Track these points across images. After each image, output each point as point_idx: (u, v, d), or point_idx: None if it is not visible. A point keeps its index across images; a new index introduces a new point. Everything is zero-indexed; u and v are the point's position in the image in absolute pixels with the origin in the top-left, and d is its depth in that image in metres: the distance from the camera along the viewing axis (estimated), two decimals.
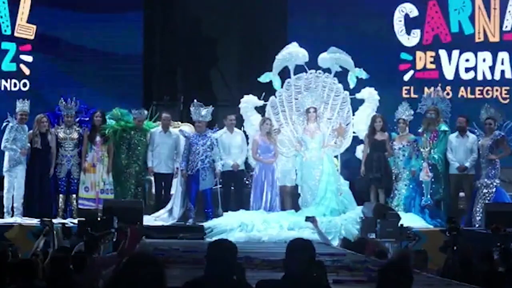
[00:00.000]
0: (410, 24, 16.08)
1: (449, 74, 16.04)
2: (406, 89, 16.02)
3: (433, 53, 16.08)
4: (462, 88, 16.00)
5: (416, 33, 16.07)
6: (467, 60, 16.05)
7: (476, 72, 16.04)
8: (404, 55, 16.08)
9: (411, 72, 16.08)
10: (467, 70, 16.06)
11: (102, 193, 13.89)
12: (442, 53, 16.05)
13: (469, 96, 15.95)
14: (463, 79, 16.05)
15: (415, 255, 10.19)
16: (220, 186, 14.34)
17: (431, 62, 16.10)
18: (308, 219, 13.16)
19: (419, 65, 16.10)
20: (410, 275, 4.94)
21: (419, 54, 16.09)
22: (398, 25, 16.05)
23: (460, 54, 16.04)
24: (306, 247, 5.32)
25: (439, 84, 15.69)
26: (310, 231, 12.95)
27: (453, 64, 16.04)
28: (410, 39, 16.08)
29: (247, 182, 14.99)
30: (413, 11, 16.06)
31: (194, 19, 18.06)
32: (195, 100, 14.20)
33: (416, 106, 14.49)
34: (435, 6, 16.08)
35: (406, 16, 16.07)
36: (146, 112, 14.60)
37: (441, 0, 16.07)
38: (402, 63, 16.11)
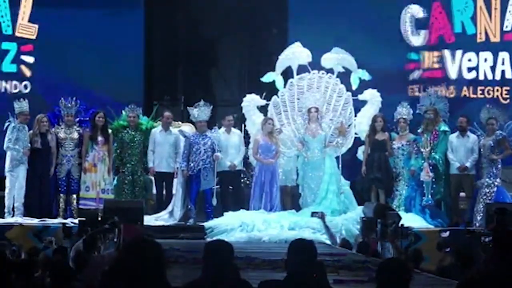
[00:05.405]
0: (416, 25, 16.08)
1: (453, 74, 16.04)
2: (411, 88, 16.03)
3: (438, 53, 16.09)
4: (464, 88, 15.99)
5: (422, 34, 16.08)
6: (469, 60, 16.03)
7: (478, 72, 16.03)
8: (410, 55, 16.09)
9: (417, 72, 16.09)
10: (469, 70, 16.05)
11: (103, 192, 13.88)
12: (446, 53, 16.05)
13: (472, 95, 15.94)
14: (466, 78, 16.04)
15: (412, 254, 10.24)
16: (219, 186, 14.33)
17: (436, 62, 16.12)
18: (315, 214, 13.17)
19: (425, 64, 16.11)
20: (408, 271, 4.95)
21: (424, 54, 16.10)
22: (404, 25, 16.05)
23: (463, 54, 16.04)
24: (308, 247, 5.32)
25: (444, 83, 15.75)
26: (310, 231, 12.97)
27: (456, 64, 16.04)
28: (416, 40, 16.07)
29: (247, 182, 15.00)
30: (419, 13, 16.05)
31: (194, 19, 18.07)
32: (191, 108, 14.18)
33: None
34: (439, 7, 16.08)
35: (412, 17, 16.07)
36: (139, 109, 14.58)
37: (445, 1, 16.06)
38: (408, 63, 16.10)
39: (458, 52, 16.03)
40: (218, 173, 14.19)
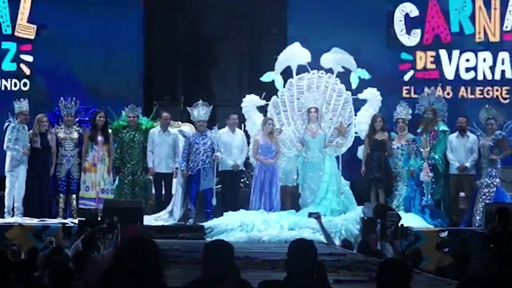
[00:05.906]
0: (410, 23, 16.03)
1: (449, 74, 16.00)
2: (406, 89, 15.99)
3: (433, 53, 16.04)
4: (462, 88, 15.96)
5: (417, 33, 16.02)
6: (467, 60, 15.99)
7: (476, 72, 16.00)
8: (404, 55, 16.05)
9: (412, 72, 16.05)
10: (468, 70, 16.01)
11: (102, 192, 13.89)
12: (442, 53, 16.02)
13: (470, 96, 15.91)
14: (463, 79, 16.00)
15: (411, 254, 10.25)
16: (220, 186, 14.33)
17: (431, 62, 16.06)
18: (311, 215, 13.16)
19: (419, 65, 16.07)
20: (408, 271, 4.96)
21: (419, 54, 16.06)
22: (398, 24, 16.00)
23: (461, 54, 16.00)
24: (308, 247, 5.33)
25: (439, 84, 15.71)
26: (310, 231, 12.96)
27: (453, 64, 16.00)
28: (411, 39, 16.04)
29: (247, 182, 14.99)
30: (414, 11, 16.01)
31: (194, 19, 18.07)
32: (191, 110, 14.16)
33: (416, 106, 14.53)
34: (435, 6, 16.04)
35: (407, 15, 16.03)
36: (139, 109, 14.58)
37: (441, 0, 16.04)
38: (403, 63, 16.07)
39: (455, 52, 16.00)
40: (220, 173, 14.19)
